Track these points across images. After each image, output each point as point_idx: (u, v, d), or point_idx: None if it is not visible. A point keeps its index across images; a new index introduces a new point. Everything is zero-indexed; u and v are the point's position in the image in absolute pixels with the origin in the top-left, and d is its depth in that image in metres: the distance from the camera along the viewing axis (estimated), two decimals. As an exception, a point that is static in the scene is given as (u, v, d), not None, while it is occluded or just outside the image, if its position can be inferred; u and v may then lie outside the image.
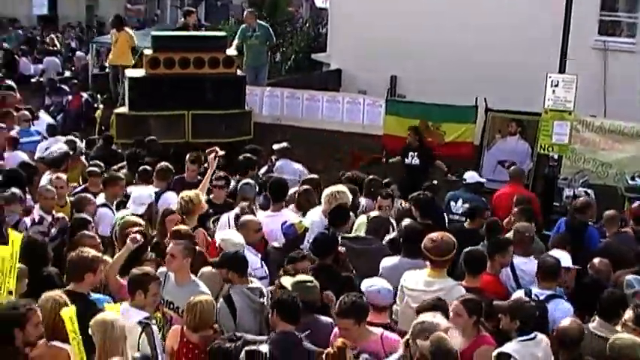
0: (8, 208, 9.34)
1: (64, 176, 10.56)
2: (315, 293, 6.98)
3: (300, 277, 7.16)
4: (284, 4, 29.71)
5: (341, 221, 8.98)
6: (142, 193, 9.89)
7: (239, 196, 10.28)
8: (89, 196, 10.00)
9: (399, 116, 15.81)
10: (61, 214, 9.55)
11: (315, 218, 9.36)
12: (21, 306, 5.92)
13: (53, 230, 9.29)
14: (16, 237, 7.20)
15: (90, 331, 5.93)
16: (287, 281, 7.10)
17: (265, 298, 7.32)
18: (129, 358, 5.96)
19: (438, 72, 18.19)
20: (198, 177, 11.16)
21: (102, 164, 11.50)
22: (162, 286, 7.32)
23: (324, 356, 5.93)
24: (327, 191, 9.61)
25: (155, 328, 6.62)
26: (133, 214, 9.33)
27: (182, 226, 8.46)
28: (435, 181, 12.36)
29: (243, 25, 18.32)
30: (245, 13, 19.46)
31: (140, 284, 6.82)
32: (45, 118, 15.98)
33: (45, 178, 11.05)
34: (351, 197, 9.66)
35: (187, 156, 11.52)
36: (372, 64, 19.27)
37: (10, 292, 6.55)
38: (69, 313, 5.85)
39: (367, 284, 7.06)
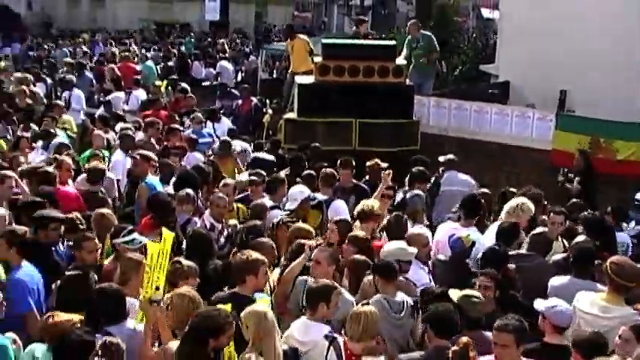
0: (180, 207, 9.60)
1: (232, 182, 10.65)
2: (480, 309, 6.83)
3: (468, 291, 7.02)
4: (452, 13, 29.48)
5: (512, 238, 8.75)
6: (295, 191, 10.06)
7: (408, 208, 10.21)
8: (265, 202, 10.11)
9: (570, 132, 15.37)
10: (232, 221, 9.62)
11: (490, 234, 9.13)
12: (221, 317, 5.99)
13: (222, 239, 9.34)
14: (167, 235, 7.42)
15: (242, 325, 6.02)
16: (454, 294, 6.97)
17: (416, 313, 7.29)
18: (280, 352, 6.00)
19: (610, 87, 17.54)
20: (353, 180, 11.23)
21: (262, 172, 11.44)
22: (301, 293, 7.36)
23: (450, 353, 5.82)
24: (511, 203, 9.42)
25: (341, 340, 6.53)
26: (286, 209, 9.70)
27: (359, 232, 8.52)
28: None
29: (409, 37, 18.26)
30: (409, 23, 19.34)
31: (322, 296, 6.73)
32: (225, 122, 16.41)
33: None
34: (533, 210, 9.45)
35: (339, 161, 11.56)
36: (542, 77, 18.77)
37: (157, 288, 6.70)
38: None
39: (548, 304, 6.80)
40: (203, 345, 5.83)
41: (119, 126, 14.00)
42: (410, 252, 7.97)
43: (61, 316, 6.19)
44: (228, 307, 6.28)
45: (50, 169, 10.73)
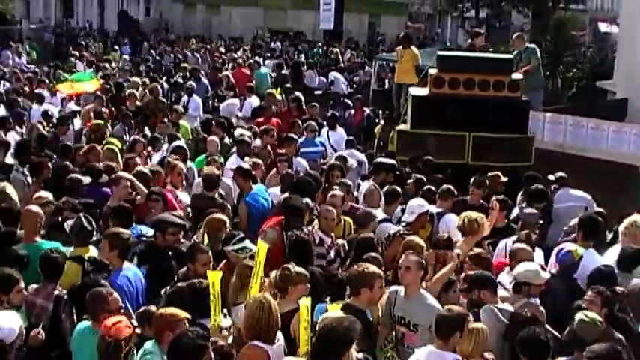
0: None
1: (340, 193, 10.42)
2: (594, 334, 6.63)
3: (590, 314, 6.86)
4: (568, 27, 28.95)
5: (635, 264, 8.44)
6: (414, 204, 9.94)
7: (521, 223, 10.07)
8: (374, 213, 10.08)
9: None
10: (341, 241, 9.35)
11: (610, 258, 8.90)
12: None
13: (332, 254, 9.14)
14: (261, 246, 7.47)
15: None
16: (579, 315, 6.82)
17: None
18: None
19: None
20: (481, 201, 11.12)
21: (349, 182, 11.36)
22: (392, 304, 7.35)
23: None
24: (626, 222, 9.20)
25: None
26: (403, 221, 9.66)
27: (480, 250, 8.54)
28: None
29: (515, 51, 18.02)
30: (514, 36, 19.04)
31: (458, 325, 6.55)
32: (340, 131, 16.51)
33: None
34: None
35: (472, 179, 11.52)
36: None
37: (225, 315, 6.85)
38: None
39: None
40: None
41: (238, 132, 14.18)
42: (542, 276, 7.84)
43: (170, 311, 6.38)
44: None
45: (146, 170, 11.07)
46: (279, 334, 6.61)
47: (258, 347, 6.31)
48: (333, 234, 9.37)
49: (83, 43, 37.72)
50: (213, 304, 6.75)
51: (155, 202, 9.80)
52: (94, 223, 8.37)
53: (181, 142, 13.82)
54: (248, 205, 10.58)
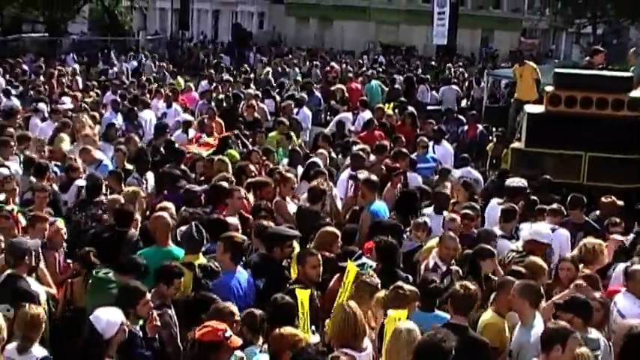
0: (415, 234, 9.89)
1: (458, 218, 10.28)
2: None
3: None
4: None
5: None
6: (541, 230, 9.60)
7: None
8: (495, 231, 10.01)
9: None
10: (455, 268, 9.03)
11: None
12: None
13: (445, 281, 8.80)
14: (352, 267, 7.58)
15: None
16: None
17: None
18: None
19: None
20: (585, 217, 11.05)
21: (477, 206, 11.22)
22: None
23: None
24: None
25: None
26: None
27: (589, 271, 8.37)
28: None
29: (632, 67, 17.53)
30: (630, 52, 18.52)
31: (560, 339, 6.44)
32: (446, 146, 16.41)
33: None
34: None
35: (569, 198, 11.43)
36: None
37: (314, 332, 7.05)
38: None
39: None
40: None
41: (357, 147, 14.23)
42: None
43: (289, 330, 6.42)
44: None
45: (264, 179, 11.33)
46: (367, 342, 6.71)
47: (346, 354, 6.36)
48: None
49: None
50: (302, 321, 6.85)
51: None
52: (204, 232, 8.55)
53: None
54: (371, 215, 10.62)
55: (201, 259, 8.40)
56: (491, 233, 9.82)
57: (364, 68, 35.28)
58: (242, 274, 8.13)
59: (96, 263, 8.32)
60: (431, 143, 15.97)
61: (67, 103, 19.47)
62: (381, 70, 33.91)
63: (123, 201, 10.06)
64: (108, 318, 6.44)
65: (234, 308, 6.93)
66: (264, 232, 8.90)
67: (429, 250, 9.41)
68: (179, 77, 28.02)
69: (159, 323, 7.05)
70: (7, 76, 24.88)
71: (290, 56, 41.49)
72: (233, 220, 9.60)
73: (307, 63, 37.35)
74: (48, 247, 8.95)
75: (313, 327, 7.14)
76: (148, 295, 7.15)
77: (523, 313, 7.29)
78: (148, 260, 8.22)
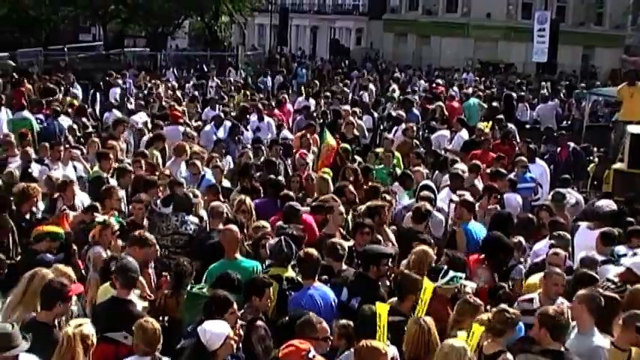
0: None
1: (562, 252, 9.62)
2: None
3: None
4: None
5: None
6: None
7: None
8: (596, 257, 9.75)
9: None
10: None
11: None
12: None
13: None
14: (429, 286, 7.55)
15: None
16: None
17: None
18: None
19: None
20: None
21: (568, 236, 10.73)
22: None
23: None
24: None
25: None
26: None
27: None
28: None
29: None
30: None
31: None
32: (541, 165, 16.07)
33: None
34: None
35: None
36: None
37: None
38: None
39: None
40: None
41: (460, 166, 14.12)
42: None
43: (375, 343, 6.46)
44: None
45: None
46: None
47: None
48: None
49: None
50: (379, 334, 6.82)
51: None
52: (294, 247, 8.68)
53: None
54: (466, 233, 10.61)
55: (289, 272, 8.57)
56: (594, 260, 9.51)
57: (464, 84, 35.04)
58: (319, 289, 8.24)
59: (187, 278, 8.50)
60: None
61: (143, 117, 19.79)
62: (481, 87, 33.56)
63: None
64: (214, 330, 6.49)
65: (326, 325, 6.96)
66: (361, 251, 8.93)
67: (533, 286, 8.97)
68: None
69: (242, 334, 7.07)
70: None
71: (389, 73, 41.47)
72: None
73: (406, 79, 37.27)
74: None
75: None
76: (235, 306, 7.22)
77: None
78: (216, 272, 8.51)
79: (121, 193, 11.85)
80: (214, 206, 10.58)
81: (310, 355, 6.16)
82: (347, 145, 16.16)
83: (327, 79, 38.04)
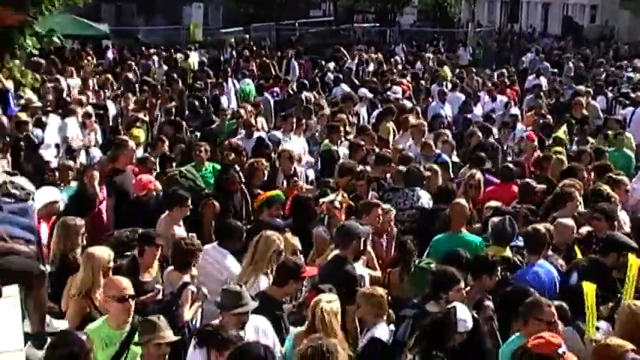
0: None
1: None
2: None
3: None
4: None
5: None
6: None
7: None
8: None
9: None
10: None
11: None
12: None
13: None
14: (634, 261, 7.37)
15: None
16: None
17: None
18: None
19: None
20: None
21: None
22: None
23: None
24: None
25: None
26: None
27: None
28: None
29: None
30: None
31: None
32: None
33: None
34: None
35: None
36: None
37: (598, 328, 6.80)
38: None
39: None
40: None
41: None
42: None
43: (615, 341, 6.07)
44: None
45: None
46: None
47: None
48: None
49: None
50: (588, 314, 6.67)
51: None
52: (516, 227, 8.62)
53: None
54: None
55: (507, 252, 8.52)
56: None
57: None
58: (543, 266, 8.10)
59: (413, 252, 8.51)
60: None
61: (398, 92, 19.93)
62: None
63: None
64: (461, 316, 6.52)
65: (553, 309, 6.69)
66: (605, 237, 8.66)
67: None
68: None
69: None
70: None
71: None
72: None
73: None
74: (376, 233, 9.21)
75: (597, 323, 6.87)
76: (462, 284, 7.16)
77: None
78: (440, 245, 8.59)
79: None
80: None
81: (560, 351, 5.93)
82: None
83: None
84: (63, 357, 5.38)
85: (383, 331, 6.96)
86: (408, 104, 17.89)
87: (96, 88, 19.81)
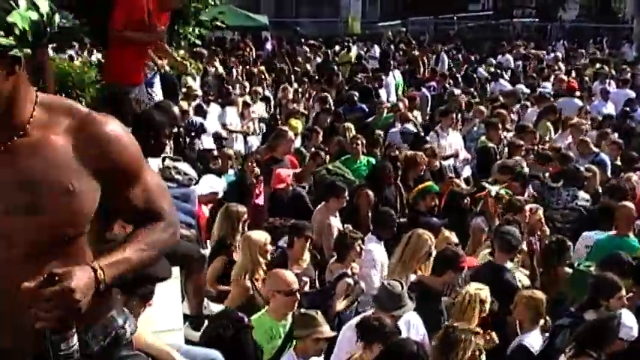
0: None
1: None
2: None
3: None
4: None
5: None
6: None
7: None
8: None
9: None
10: None
11: None
12: None
13: None
14: None
15: None
16: None
17: None
18: None
19: None
20: None
21: None
22: None
23: None
24: None
25: None
26: None
27: None
28: None
29: None
30: None
31: None
32: None
33: None
34: None
35: None
36: None
37: None
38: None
39: None
40: None
41: None
42: None
43: None
44: None
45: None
46: None
47: None
48: None
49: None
50: None
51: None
52: None
53: None
54: None
55: None
56: None
57: None
58: None
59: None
60: None
61: (548, 88, 19.41)
62: None
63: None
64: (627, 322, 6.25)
65: None
66: None
67: None
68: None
69: None
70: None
71: None
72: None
73: None
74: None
75: None
76: (623, 292, 6.84)
77: None
78: (602, 247, 8.33)
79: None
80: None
81: None
82: None
83: None
84: (225, 331, 5.54)
85: (535, 340, 6.75)
86: (579, 103, 17.19)
87: (255, 78, 20.18)
